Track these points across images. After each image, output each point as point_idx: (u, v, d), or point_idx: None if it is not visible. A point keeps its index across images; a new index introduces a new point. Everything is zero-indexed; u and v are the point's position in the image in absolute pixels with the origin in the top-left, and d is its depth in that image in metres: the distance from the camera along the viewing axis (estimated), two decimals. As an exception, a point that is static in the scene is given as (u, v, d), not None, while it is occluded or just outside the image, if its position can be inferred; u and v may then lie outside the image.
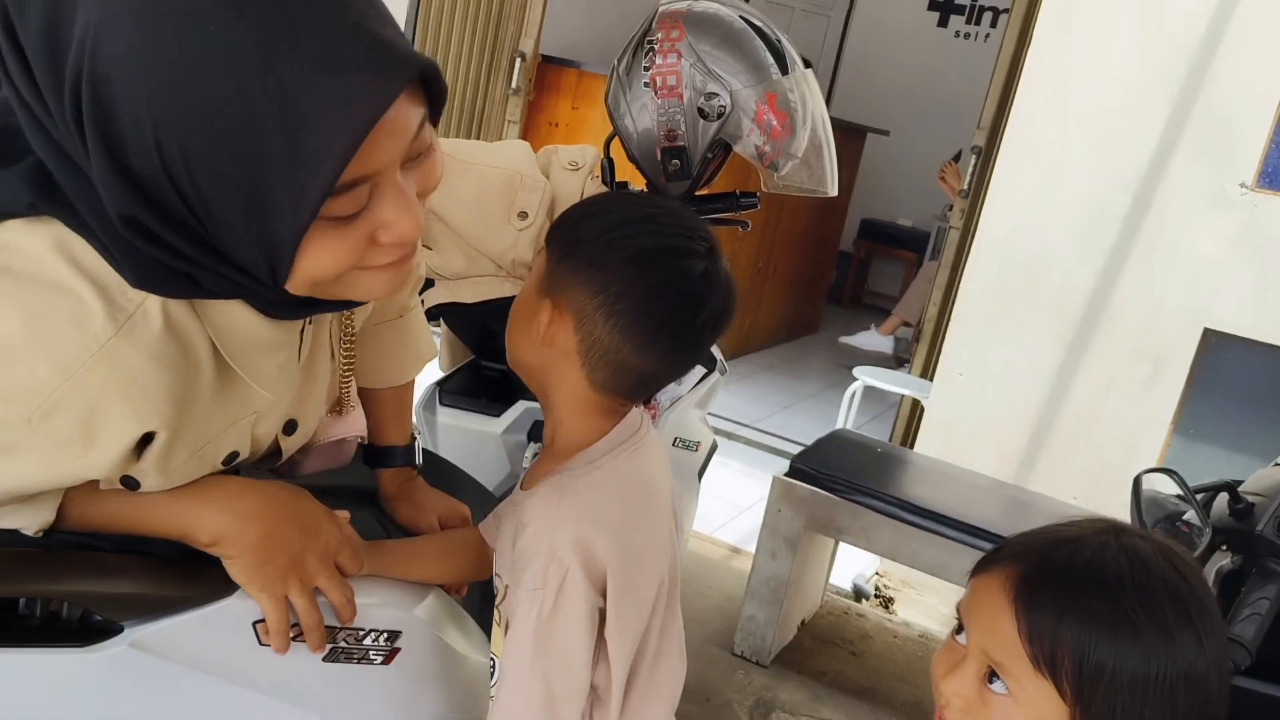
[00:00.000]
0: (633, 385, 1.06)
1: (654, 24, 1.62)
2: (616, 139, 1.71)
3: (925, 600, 3.25)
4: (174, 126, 0.73)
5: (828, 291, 6.88)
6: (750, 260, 5.36)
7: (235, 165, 0.74)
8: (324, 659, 1.05)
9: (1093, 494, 3.07)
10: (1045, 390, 3.08)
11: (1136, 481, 1.26)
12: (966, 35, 7.50)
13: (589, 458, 1.06)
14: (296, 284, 0.83)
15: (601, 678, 1.03)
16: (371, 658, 1.09)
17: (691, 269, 1.01)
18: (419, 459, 1.31)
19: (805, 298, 6.33)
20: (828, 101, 7.74)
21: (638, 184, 1.76)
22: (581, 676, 1.01)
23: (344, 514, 1.08)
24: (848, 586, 3.26)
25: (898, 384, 3.76)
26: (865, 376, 3.83)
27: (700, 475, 1.90)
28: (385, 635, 1.10)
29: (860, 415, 4.37)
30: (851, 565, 3.29)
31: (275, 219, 0.76)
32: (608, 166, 1.76)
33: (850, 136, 6.31)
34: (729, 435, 4.32)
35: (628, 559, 1.02)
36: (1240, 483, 1.26)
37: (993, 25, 7.29)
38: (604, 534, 1.00)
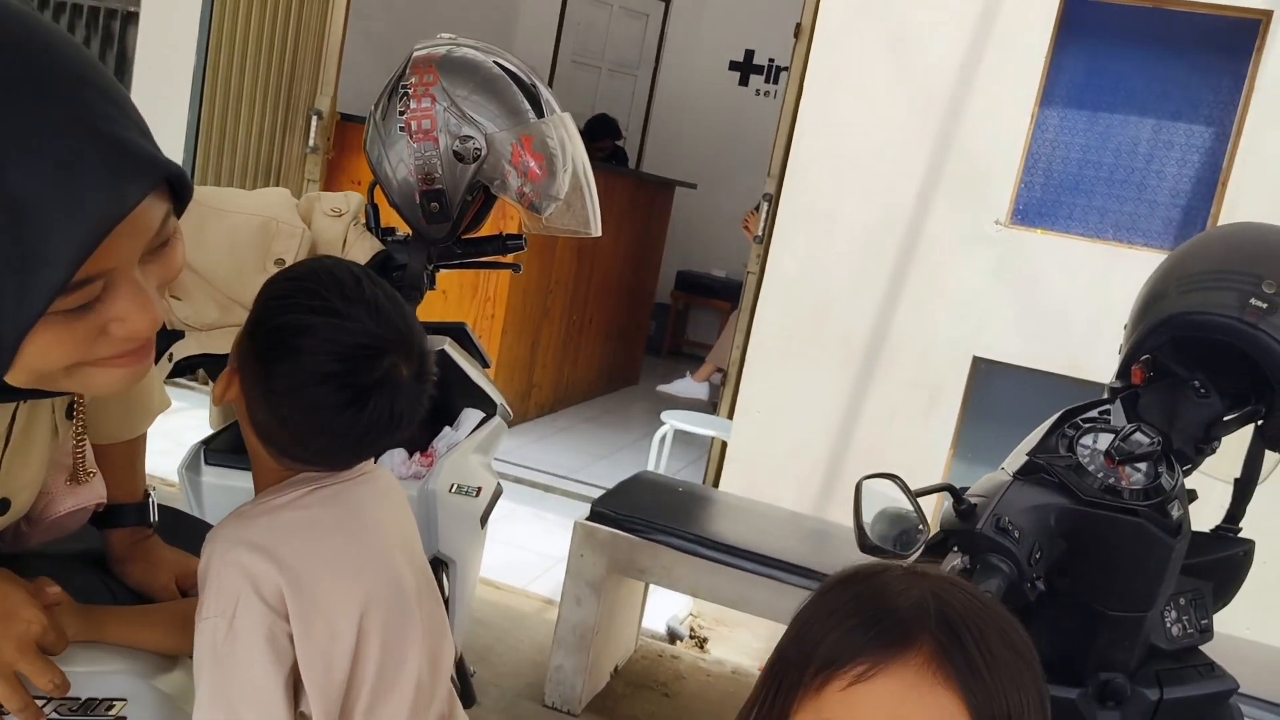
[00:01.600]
0: (302, 463, 1.08)
1: (408, 69, 1.63)
2: (379, 185, 1.70)
3: (738, 637, 3.31)
4: None
5: (646, 342, 6.99)
6: (565, 314, 5.40)
7: None
8: (32, 732, 0.97)
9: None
10: (836, 423, 3.22)
11: (858, 487, 1.32)
12: (766, 93, 7.86)
13: (276, 491, 1.08)
14: (18, 377, 0.78)
15: (309, 707, 1.01)
16: (90, 728, 1.02)
17: (353, 383, 1.02)
18: (154, 516, 1.25)
19: (623, 349, 6.41)
20: (639, 157, 7.98)
21: (403, 229, 1.75)
22: (275, 705, 0.99)
23: (54, 588, 1.01)
24: (663, 629, 3.28)
25: (703, 426, 3.85)
26: (672, 420, 3.91)
27: (484, 521, 1.87)
28: (106, 704, 1.03)
29: (677, 460, 4.44)
30: (667, 608, 3.32)
31: None
32: (371, 213, 1.75)
33: (660, 190, 6.50)
34: (545, 488, 4.30)
35: (306, 587, 1.02)
36: (965, 489, 1.34)
37: (789, 84, 7.68)
38: (273, 561, 1.00)
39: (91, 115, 0.74)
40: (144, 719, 1.06)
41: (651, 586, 3.07)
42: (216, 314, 1.58)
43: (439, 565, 1.76)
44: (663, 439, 3.97)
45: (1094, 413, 1.38)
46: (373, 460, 1.18)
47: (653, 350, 7.41)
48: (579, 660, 2.67)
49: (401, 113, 1.62)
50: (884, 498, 1.41)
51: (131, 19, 4.83)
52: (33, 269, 0.71)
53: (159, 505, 1.28)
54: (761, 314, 3.31)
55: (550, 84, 1.74)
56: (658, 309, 7.28)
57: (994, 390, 3.13)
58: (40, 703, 0.97)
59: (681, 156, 7.68)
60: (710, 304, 7.70)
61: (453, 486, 1.75)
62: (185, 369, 1.60)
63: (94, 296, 0.77)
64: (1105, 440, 1.32)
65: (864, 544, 1.30)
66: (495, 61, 1.67)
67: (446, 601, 1.81)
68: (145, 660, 1.07)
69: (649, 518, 2.64)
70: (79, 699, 1.00)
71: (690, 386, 6.17)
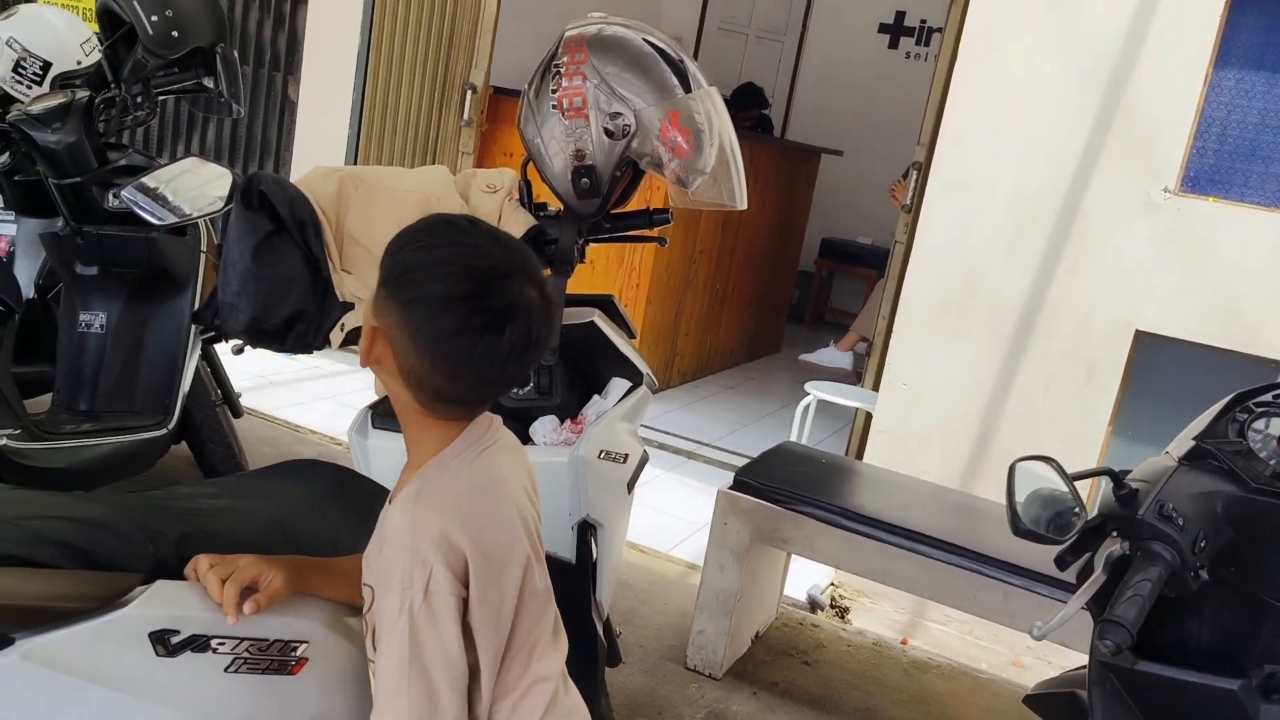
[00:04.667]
0: (453, 405, 1.13)
1: (559, 48, 1.67)
2: (532, 162, 1.76)
3: (880, 609, 3.29)
4: None
5: (789, 311, 6.94)
6: (708, 282, 5.42)
7: None
8: (226, 669, 1.07)
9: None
10: (985, 396, 3.14)
11: (1011, 469, 1.30)
12: (916, 56, 7.63)
13: (440, 463, 1.13)
14: None
15: (472, 659, 1.08)
16: (277, 668, 1.12)
17: (488, 306, 1.07)
18: None
19: (766, 318, 6.39)
20: (784, 124, 7.88)
21: (555, 205, 1.80)
22: (460, 663, 1.06)
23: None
24: (803, 598, 3.29)
25: (848, 397, 3.81)
26: (816, 391, 3.88)
27: (630, 487, 1.93)
28: (291, 646, 1.13)
29: (819, 431, 4.41)
30: (808, 576, 3.32)
31: None
32: (525, 188, 1.80)
33: (805, 158, 6.41)
34: (688, 455, 4.36)
35: (485, 547, 1.08)
36: (1126, 472, 1.30)
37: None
38: (459, 527, 1.07)
39: None
40: (323, 661, 1.15)
41: (793, 554, 3.08)
42: (382, 286, 1.67)
43: (588, 528, 1.82)
44: (806, 409, 3.95)
45: (1268, 396, 1.31)
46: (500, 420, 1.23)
47: (795, 318, 7.36)
48: (721, 625, 2.71)
49: (554, 91, 1.66)
50: (1038, 479, 1.38)
51: (301, 2, 5.07)
52: None
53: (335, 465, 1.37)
54: (909, 284, 3.25)
55: (696, 53, 1.75)
56: (801, 277, 7.21)
57: (1158, 366, 2.98)
58: (234, 642, 1.07)
59: (828, 122, 7.55)
60: (855, 271, 7.58)
61: (601, 453, 1.80)
62: (357, 338, 1.70)
63: None
64: (1279, 426, 1.26)
65: (1017, 527, 1.29)
66: (644, 39, 1.70)
67: (594, 564, 1.87)
68: (326, 608, 1.17)
69: (792, 488, 2.65)
70: (268, 639, 1.10)
71: (834, 356, 6.10)
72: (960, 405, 3.18)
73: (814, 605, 3.27)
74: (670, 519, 3.65)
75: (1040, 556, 2.31)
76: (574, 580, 1.83)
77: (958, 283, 3.15)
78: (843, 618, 3.26)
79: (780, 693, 2.74)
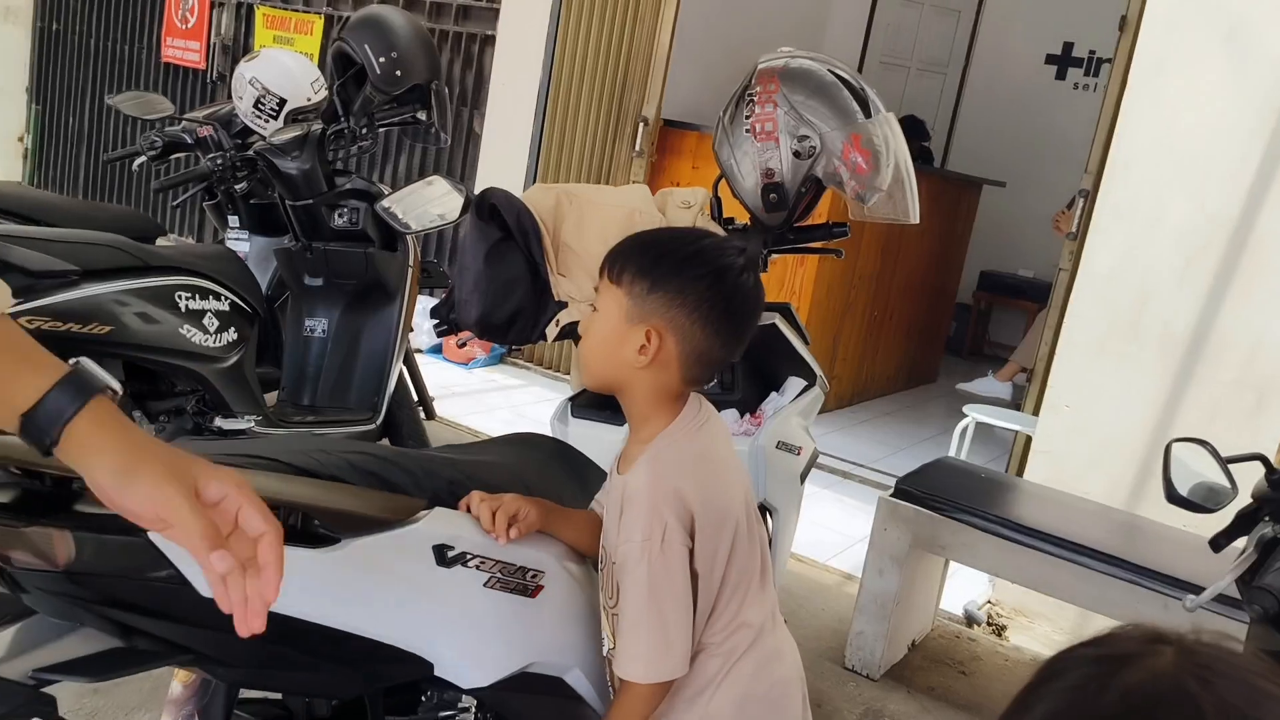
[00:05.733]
0: (709, 373, 1.37)
1: (753, 79, 1.89)
2: (724, 180, 1.98)
3: (1038, 628, 3.33)
4: None
5: (946, 342, 6.95)
6: (866, 310, 5.53)
7: None
8: (484, 584, 1.30)
9: (1205, 522, 3.11)
10: (1151, 422, 3.16)
11: (1167, 450, 1.41)
12: (1085, 87, 7.55)
13: (668, 435, 1.34)
14: None
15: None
16: (521, 589, 1.35)
17: (746, 280, 1.33)
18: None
19: (923, 347, 6.43)
20: (944, 156, 7.89)
21: (742, 219, 2.01)
22: (687, 603, 1.29)
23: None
24: (959, 613, 3.36)
25: (1007, 420, 3.87)
26: (975, 414, 3.95)
27: (803, 478, 2.10)
28: (531, 572, 1.36)
29: (977, 456, 4.44)
30: (963, 593, 3.40)
31: None
32: (716, 204, 2.02)
33: (966, 189, 6.45)
34: (845, 474, 4.48)
35: (707, 506, 1.30)
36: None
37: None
38: (689, 488, 1.29)
39: None
40: (555, 590, 1.38)
41: (949, 570, 3.17)
42: (591, 289, 1.91)
43: (764, 511, 2.01)
44: (964, 431, 4.02)
45: None
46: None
47: (952, 350, 7.34)
48: (879, 628, 2.83)
49: (747, 117, 1.88)
50: (1195, 474, 1.50)
51: (489, 41, 5.50)
52: None
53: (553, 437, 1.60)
54: (1074, 309, 3.31)
55: (859, 86, 1.93)
56: (959, 309, 7.21)
57: (1333, 392, 2.96)
58: (491, 562, 1.31)
59: (990, 154, 7.53)
60: (1015, 304, 7.51)
61: (778, 443, 1.99)
62: (568, 334, 1.95)
63: None
64: None
65: (1171, 495, 1.41)
66: (829, 69, 1.90)
67: (770, 544, 2.06)
68: (559, 545, 1.39)
69: (952, 498, 2.76)
70: (515, 564, 1.33)
71: (992, 385, 6.08)
72: (1124, 430, 3.21)
73: (970, 620, 3.34)
74: (828, 532, 3.79)
75: (1202, 570, 2.36)
76: (751, 559, 2.01)
77: (1125, 308, 3.20)
78: (999, 635, 3.32)
79: (937, 697, 2.83)
